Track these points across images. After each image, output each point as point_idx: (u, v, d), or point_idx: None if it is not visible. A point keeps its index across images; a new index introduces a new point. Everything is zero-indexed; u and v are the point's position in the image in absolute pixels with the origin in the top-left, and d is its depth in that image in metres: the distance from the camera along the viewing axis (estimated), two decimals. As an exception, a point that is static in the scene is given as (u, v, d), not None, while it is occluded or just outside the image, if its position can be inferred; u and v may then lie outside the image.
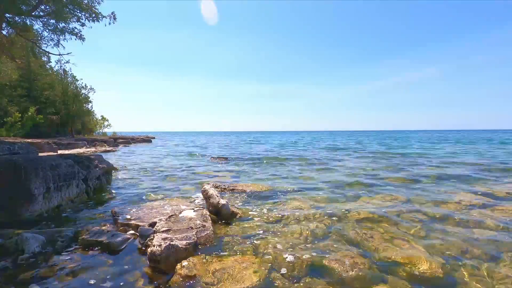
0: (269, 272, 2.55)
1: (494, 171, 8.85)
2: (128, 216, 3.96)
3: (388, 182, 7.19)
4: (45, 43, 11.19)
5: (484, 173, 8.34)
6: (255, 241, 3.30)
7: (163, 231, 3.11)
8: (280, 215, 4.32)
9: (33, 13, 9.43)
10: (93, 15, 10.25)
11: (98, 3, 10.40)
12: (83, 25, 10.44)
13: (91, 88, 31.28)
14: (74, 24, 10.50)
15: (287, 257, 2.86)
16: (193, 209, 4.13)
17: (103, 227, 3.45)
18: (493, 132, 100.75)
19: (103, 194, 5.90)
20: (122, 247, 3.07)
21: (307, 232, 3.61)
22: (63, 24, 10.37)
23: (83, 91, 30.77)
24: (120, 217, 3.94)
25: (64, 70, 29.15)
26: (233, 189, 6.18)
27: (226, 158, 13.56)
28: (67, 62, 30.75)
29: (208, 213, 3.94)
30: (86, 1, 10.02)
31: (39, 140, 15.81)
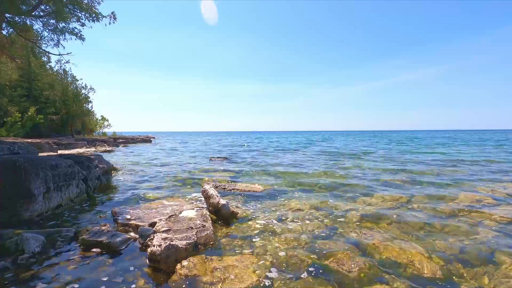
0: (268, 272, 2.55)
1: None
2: (128, 216, 3.96)
3: (389, 182, 7.19)
4: (45, 43, 11.20)
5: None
6: (254, 241, 3.30)
7: (163, 231, 3.11)
8: (279, 215, 4.33)
9: (33, 13, 9.42)
10: (93, 15, 10.24)
11: (98, 3, 10.40)
12: (83, 25, 10.43)
13: (91, 88, 31.30)
14: (74, 24, 10.50)
15: (287, 257, 2.86)
16: (193, 209, 4.13)
17: (103, 227, 3.45)
18: (497, 132, 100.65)
19: (103, 194, 5.90)
20: (122, 247, 3.07)
21: (307, 232, 3.61)
22: (63, 24, 10.37)
23: (83, 91, 30.78)
24: (120, 217, 3.94)
25: (64, 70, 29.14)
26: (233, 189, 6.18)
27: (226, 158, 13.56)
28: (67, 62, 30.79)
29: (208, 213, 3.95)
30: (86, 1, 10.01)
31: (39, 140, 15.81)
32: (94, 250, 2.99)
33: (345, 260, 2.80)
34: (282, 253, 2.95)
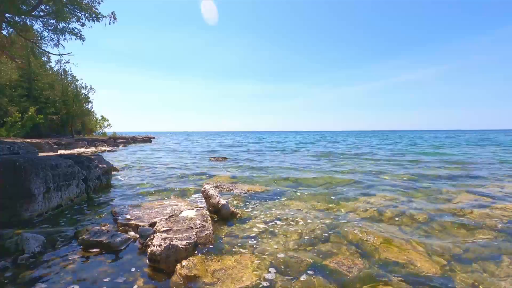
0: (268, 272, 2.55)
1: None
2: (128, 216, 3.96)
3: (389, 183, 7.19)
4: (45, 43, 11.21)
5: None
6: (254, 241, 3.30)
7: (163, 231, 3.11)
8: (279, 215, 4.33)
9: (33, 13, 9.43)
10: (93, 15, 10.25)
11: (98, 3, 10.41)
12: (83, 25, 10.45)
13: (91, 88, 31.34)
14: (74, 24, 10.52)
15: (286, 257, 2.86)
16: (193, 209, 4.13)
17: (103, 227, 3.45)
18: (498, 132, 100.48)
19: (103, 194, 5.90)
20: (122, 247, 3.07)
21: (307, 232, 3.61)
22: (63, 24, 10.38)
23: (83, 91, 30.82)
24: (120, 217, 3.94)
25: (64, 70, 29.18)
26: (233, 189, 6.18)
27: (226, 158, 13.56)
28: (67, 62, 30.86)
29: (208, 213, 3.95)
30: (86, 1, 10.02)
31: (39, 140, 15.81)
32: (94, 250, 2.99)
33: (345, 260, 2.80)
34: (282, 253, 2.94)
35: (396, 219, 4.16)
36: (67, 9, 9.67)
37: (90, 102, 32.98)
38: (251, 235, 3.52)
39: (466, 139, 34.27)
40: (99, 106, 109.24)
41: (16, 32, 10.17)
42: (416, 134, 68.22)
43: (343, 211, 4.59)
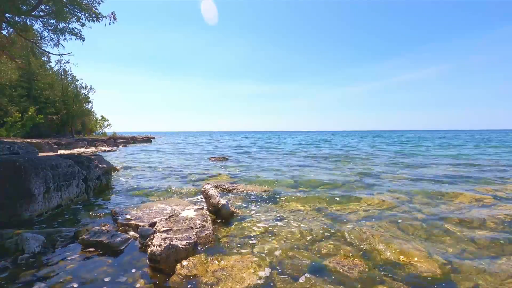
0: (268, 272, 2.55)
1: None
2: (128, 216, 3.96)
3: (390, 183, 7.18)
4: (45, 43, 11.20)
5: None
6: (254, 241, 3.30)
7: (163, 231, 3.11)
8: (280, 215, 4.32)
9: (33, 13, 9.42)
10: (93, 15, 10.23)
11: (98, 3, 10.39)
12: (83, 25, 10.43)
13: (91, 88, 31.37)
14: (74, 24, 10.50)
15: (286, 257, 2.86)
16: (193, 209, 4.13)
17: (103, 227, 3.45)
18: (499, 132, 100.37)
19: (103, 194, 5.90)
20: (122, 247, 3.07)
21: (307, 232, 3.61)
22: (63, 24, 10.36)
23: (83, 91, 30.84)
24: (120, 217, 3.94)
25: (64, 70, 29.22)
26: (233, 189, 6.18)
27: (226, 158, 13.56)
28: (67, 62, 30.91)
29: (208, 213, 3.94)
30: (86, 1, 10.01)
31: (39, 140, 15.80)
32: (94, 250, 2.99)
33: (345, 260, 2.79)
34: (282, 253, 2.94)
35: (397, 219, 4.15)
36: (67, 9, 9.66)
37: (90, 102, 33.03)
38: (251, 235, 3.52)
39: (467, 139, 34.26)
40: (99, 106, 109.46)
41: (16, 32, 10.16)
42: (416, 134, 68.19)
43: (343, 211, 4.59)
